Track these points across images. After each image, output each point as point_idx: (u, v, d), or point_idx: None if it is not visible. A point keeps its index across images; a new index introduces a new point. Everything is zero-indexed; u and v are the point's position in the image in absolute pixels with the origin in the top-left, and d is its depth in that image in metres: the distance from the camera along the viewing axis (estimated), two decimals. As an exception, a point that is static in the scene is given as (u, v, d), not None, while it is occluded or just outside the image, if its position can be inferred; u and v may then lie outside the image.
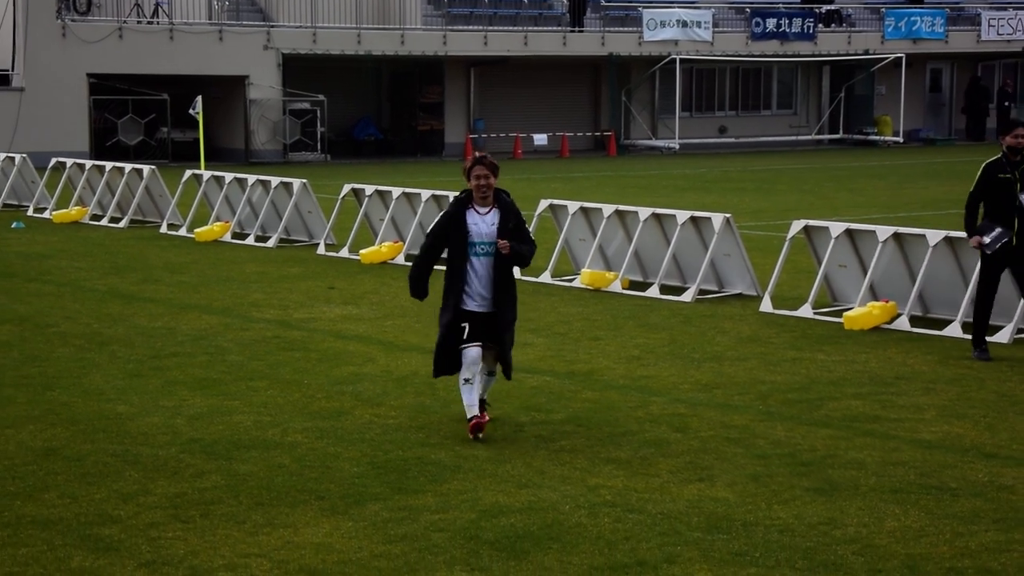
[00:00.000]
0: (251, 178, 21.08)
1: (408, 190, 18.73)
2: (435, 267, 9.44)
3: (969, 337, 12.54)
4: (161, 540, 7.24)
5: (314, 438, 9.28)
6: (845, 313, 13.58)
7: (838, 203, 26.39)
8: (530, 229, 9.59)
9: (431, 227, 9.56)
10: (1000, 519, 7.52)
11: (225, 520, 7.56)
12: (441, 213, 9.47)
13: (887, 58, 46.34)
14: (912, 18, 47.51)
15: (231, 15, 39.66)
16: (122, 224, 22.63)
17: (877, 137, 46.99)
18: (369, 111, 43.21)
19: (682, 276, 15.78)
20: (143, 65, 37.58)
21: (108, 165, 23.95)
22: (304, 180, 20.22)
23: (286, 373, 11.39)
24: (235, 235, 20.73)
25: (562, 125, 44.18)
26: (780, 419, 9.78)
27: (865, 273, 13.95)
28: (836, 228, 14.26)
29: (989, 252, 11.69)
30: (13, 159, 26.32)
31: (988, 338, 12.59)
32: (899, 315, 13.40)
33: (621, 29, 44.09)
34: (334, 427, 9.57)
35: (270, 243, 19.98)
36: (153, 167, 22.98)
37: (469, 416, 9.18)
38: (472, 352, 9.13)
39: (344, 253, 18.77)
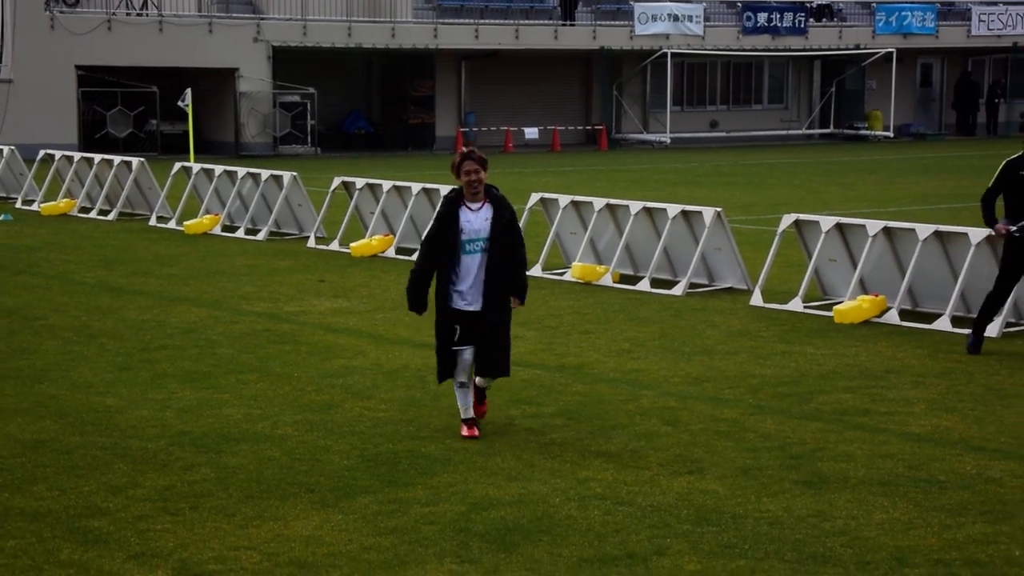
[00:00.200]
0: (241, 171, 21.05)
1: (399, 183, 18.71)
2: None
3: (959, 331, 12.58)
4: (150, 533, 7.23)
5: (304, 431, 9.28)
6: (835, 307, 13.60)
7: (828, 197, 26.42)
8: (520, 223, 9.51)
9: (427, 233, 9.22)
10: (988, 511, 7.54)
11: (214, 513, 7.55)
12: (434, 217, 9.23)
13: (878, 53, 46.40)
14: (903, 13, 47.57)
15: (220, 7, 39.59)
16: (111, 217, 22.59)
17: (867, 132, 47.05)
18: (359, 104, 43.17)
19: (673, 270, 15.79)
20: (132, 57, 37.51)
21: (97, 157, 23.90)
22: (294, 173, 20.19)
23: (276, 366, 11.38)
24: (225, 228, 20.70)
25: (553, 119, 44.19)
26: (770, 412, 9.80)
27: (855, 267, 13.97)
28: (826, 222, 14.28)
29: (1018, 234, 11.61)
30: (1, 151, 26.27)
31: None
32: (889, 309, 13.42)
33: (612, 23, 44.09)
34: (324, 420, 9.57)
35: (260, 236, 19.96)
36: (142, 159, 22.93)
37: (463, 418, 9.14)
38: (466, 355, 9.00)
39: (334, 246, 18.76)
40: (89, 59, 37.12)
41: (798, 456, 8.63)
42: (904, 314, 13.45)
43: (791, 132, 47.07)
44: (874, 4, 47.63)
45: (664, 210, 15.64)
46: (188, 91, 26.07)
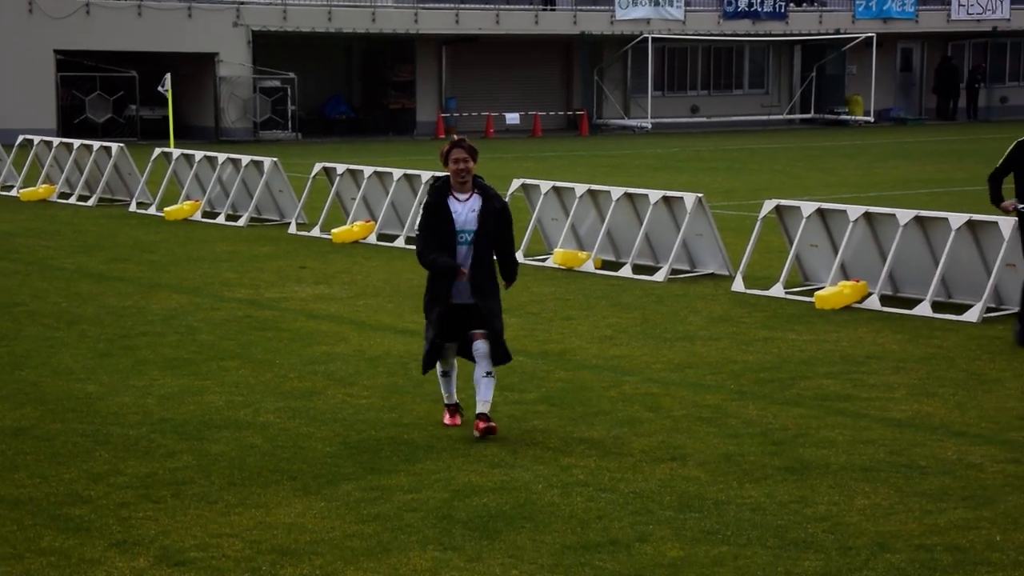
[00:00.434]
0: (221, 156, 20.97)
1: (380, 169, 18.67)
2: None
3: (940, 316, 12.64)
4: (132, 520, 7.21)
5: (286, 418, 9.26)
6: (816, 293, 13.63)
7: (809, 183, 26.47)
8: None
9: (420, 222, 8.92)
10: (968, 496, 7.57)
11: (196, 500, 7.53)
12: (423, 206, 8.93)
13: (858, 38, 46.46)
14: (883, -2, 47.65)
15: (200, -9, 39.45)
16: (91, 202, 22.49)
17: (848, 117, 47.14)
18: (340, 89, 43.04)
19: (654, 256, 15.80)
20: (111, 42, 37.32)
21: (76, 143, 23.79)
22: (275, 159, 20.13)
23: (257, 353, 11.35)
24: (205, 214, 20.63)
25: (534, 104, 44.14)
26: (752, 398, 9.82)
27: (836, 253, 14.00)
28: (807, 208, 14.30)
29: None
30: (-20, 137, 26.11)
31: (957, 317, 12.69)
32: (870, 295, 13.45)
33: (593, 8, 44.04)
34: (306, 407, 9.55)
35: (241, 222, 19.89)
36: (122, 145, 22.83)
37: (446, 403, 9.09)
38: (451, 349, 8.86)
39: (315, 232, 18.71)
40: (68, 43, 36.92)
41: (780, 442, 8.65)
42: (885, 299, 13.49)
43: (772, 117, 47.12)
44: (854, -11, 47.73)
45: (646, 196, 15.64)
46: (168, 76, 25.97)
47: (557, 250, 16.12)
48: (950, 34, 49.77)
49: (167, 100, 26.64)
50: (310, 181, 19.98)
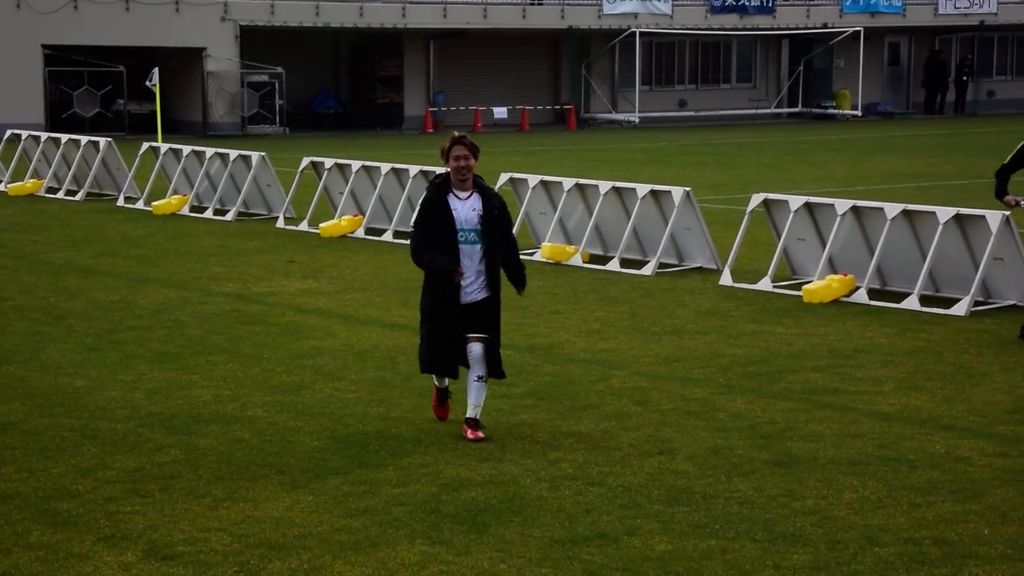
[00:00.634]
0: (209, 151, 20.93)
1: (368, 163, 18.65)
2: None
3: (928, 310, 12.66)
4: (120, 514, 7.20)
5: (274, 412, 9.25)
6: (804, 286, 13.65)
7: (797, 177, 26.49)
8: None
9: (416, 219, 8.80)
10: (957, 490, 7.59)
11: (184, 494, 7.52)
12: (421, 202, 8.74)
13: (845, 32, 46.51)
14: (870, -8, 47.70)
15: (188, -14, 39.34)
16: (78, 197, 22.43)
17: (836, 111, 47.18)
18: (328, 84, 42.98)
19: (642, 250, 15.80)
20: (99, 36, 37.21)
21: (64, 137, 23.73)
22: (263, 153, 20.10)
23: (245, 347, 11.33)
24: (193, 208, 20.59)
25: (522, 98, 44.11)
26: (740, 392, 9.83)
27: (824, 246, 14.02)
28: (795, 202, 14.32)
29: None
30: (-33, 131, 26.03)
31: (945, 311, 12.72)
32: (857, 288, 13.48)
33: (581, 2, 44.02)
34: (294, 401, 9.54)
35: (229, 216, 19.86)
36: (109, 140, 22.78)
37: (437, 386, 8.94)
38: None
39: (303, 227, 18.69)
40: (55, 38, 36.81)
41: (768, 436, 8.66)
42: (873, 293, 13.51)
43: (759, 111, 47.15)
44: (842, -17, 47.78)
45: (633, 190, 15.64)
46: (155, 71, 25.91)
47: (545, 244, 16.12)
48: (937, 28, 49.85)
49: (155, 95, 26.57)
50: (298, 175, 19.94)
